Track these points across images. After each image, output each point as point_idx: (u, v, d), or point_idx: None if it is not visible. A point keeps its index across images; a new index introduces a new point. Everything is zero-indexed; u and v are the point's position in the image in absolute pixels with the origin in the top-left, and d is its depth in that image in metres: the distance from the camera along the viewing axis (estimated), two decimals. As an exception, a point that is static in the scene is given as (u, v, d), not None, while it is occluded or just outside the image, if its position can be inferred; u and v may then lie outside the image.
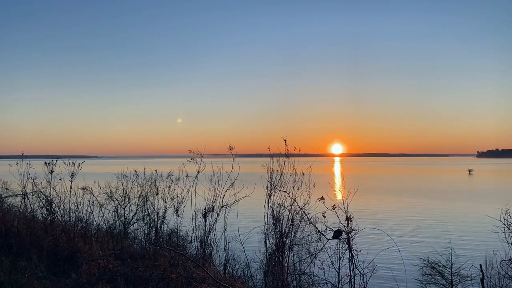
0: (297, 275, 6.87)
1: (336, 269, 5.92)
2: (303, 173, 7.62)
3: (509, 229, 6.03)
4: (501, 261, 6.29)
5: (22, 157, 10.60)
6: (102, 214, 9.83)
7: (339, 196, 6.18)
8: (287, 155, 7.75)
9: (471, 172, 71.61)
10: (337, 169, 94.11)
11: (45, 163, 9.86)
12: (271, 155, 7.84)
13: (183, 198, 9.14)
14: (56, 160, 10.07)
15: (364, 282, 5.57)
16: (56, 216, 9.16)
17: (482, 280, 5.87)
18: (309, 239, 7.32)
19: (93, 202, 9.71)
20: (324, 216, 6.22)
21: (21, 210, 10.10)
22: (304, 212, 7.07)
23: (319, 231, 6.43)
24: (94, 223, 9.69)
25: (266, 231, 7.87)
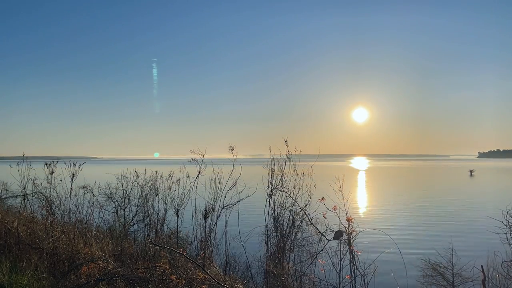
0: (298, 276, 6.85)
1: (337, 270, 5.90)
2: (303, 173, 7.60)
3: (510, 230, 6.00)
4: (502, 262, 6.26)
5: (23, 158, 10.59)
6: (102, 215, 9.82)
7: (339, 197, 6.16)
8: (287, 157, 7.74)
9: (472, 173, 71.41)
10: (335, 169, 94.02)
11: (46, 164, 9.84)
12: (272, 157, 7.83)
13: (183, 199, 9.12)
14: (57, 161, 10.06)
15: (365, 283, 5.55)
16: (56, 217, 9.15)
17: (483, 281, 5.83)
18: (310, 240, 7.30)
19: (93, 203, 9.70)
20: (325, 217, 6.21)
21: (21, 211, 10.08)
22: (305, 213, 7.05)
23: (319, 232, 6.41)
24: (94, 224, 9.67)
25: (266, 232, 7.85)
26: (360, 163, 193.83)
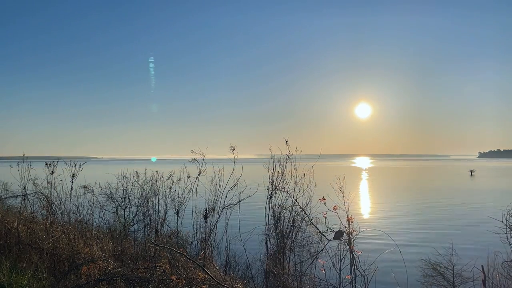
0: (298, 276, 6.84)
1: (337, 270, 5.89)
2: (304, 173, 7.60)
3: (510, 230, 6.00)
4: (503, 262, 6.26)
5: (23, 158, 10.59)
6: (102, 215, 9.82)
7: (340, 197, 6.15)
8: (288, 157, 7.74)
9: (472, 173, 71.35)
10: (336, 169, 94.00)
11: (46, 164, 9.85)
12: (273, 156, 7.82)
13: (184, 199, 9.12)
14: (57, 161, 10.07)
15: (365, 283, 5.55)
16: (57, 217, 9.15)
17: (484, 281, 5.83)
18: (310, 240, 7.30)
19: (93, 203, 9.70)
20: (325, 217, 6.21)
21: (21, 211, 10.08)
22: (305, 212, 7.05)
23: (320, 232, 6.41)
24: (95, 224, 9.67)
25: (267, 232, 7.85)
26: (361, 163, 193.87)
